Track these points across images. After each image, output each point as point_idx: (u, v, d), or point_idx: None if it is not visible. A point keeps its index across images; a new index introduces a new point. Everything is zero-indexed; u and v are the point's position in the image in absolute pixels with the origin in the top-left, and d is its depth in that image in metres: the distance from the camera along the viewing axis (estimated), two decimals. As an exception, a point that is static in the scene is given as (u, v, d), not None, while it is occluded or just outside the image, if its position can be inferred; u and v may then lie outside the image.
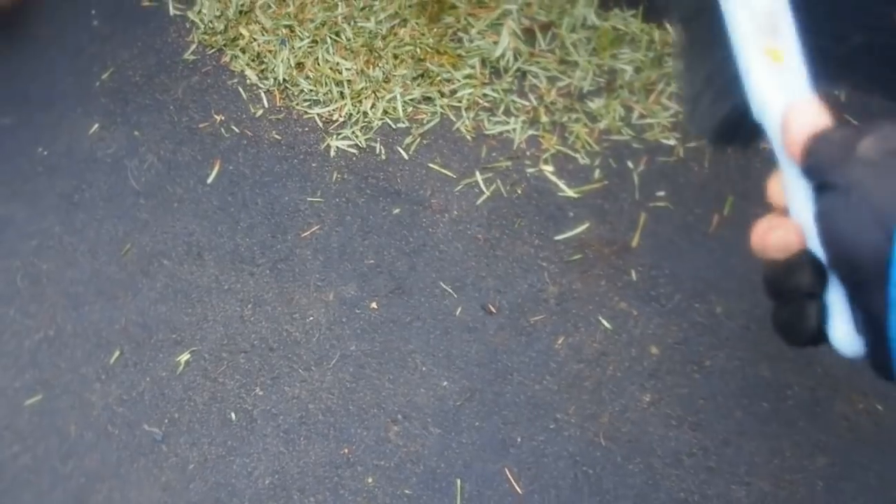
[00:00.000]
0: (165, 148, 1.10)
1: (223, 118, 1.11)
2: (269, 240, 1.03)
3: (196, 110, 1.12)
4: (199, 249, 1.03)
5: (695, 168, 1.05)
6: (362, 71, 1.10)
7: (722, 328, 0.95)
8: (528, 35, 1.12)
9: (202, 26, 1.18)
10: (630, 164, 1.05)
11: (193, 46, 1.17)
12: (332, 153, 1.07)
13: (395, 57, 1.11)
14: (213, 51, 1.16)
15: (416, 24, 1.13)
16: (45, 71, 1.15)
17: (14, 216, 1.06)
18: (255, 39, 1.13)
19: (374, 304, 0.98)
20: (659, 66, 1.09)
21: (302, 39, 1.12)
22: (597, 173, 1.05)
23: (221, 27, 1.16)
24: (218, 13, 1.16)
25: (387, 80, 1.10)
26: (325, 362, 0.95)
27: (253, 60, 1.13)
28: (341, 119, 1.09)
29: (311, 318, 0.98)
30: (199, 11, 1.18)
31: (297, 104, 1.10)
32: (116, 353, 0.96)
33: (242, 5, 1.16)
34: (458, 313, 0.97)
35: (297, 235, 1.03)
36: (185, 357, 0.96)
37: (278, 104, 1.11)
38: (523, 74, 1.11)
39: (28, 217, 1.06)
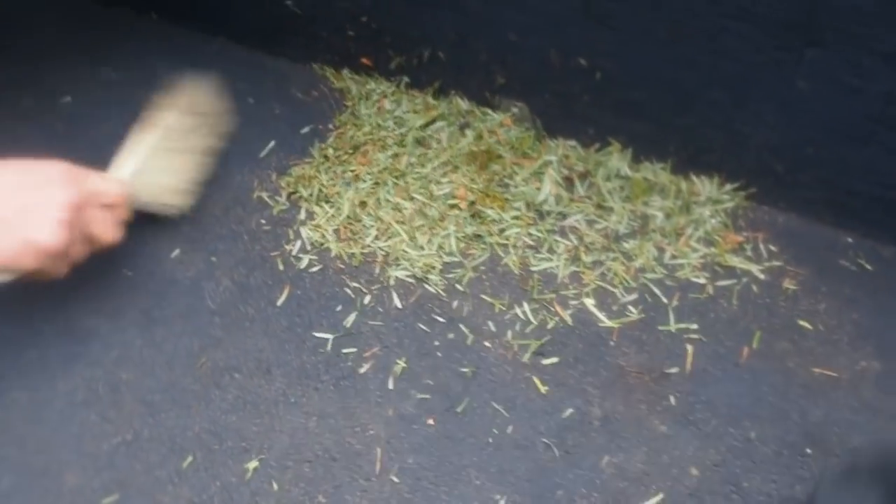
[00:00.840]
0: (239, 273, 1.20)
1: (292, 248, 1.22)
2: (333, 358, 1.11)
3: (268, 240, 1.23)
4: (268, 365, 1.11)
5: (724, 304, 1.14)
6: (420, 210, 1.22)
7: (756, 452, 1.01)
8: (568, 183, 1.25)
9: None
10: (664, 300, 1.15)
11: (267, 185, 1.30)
12: (392, 282, 1.18)
13: (449, 198, 1.23)
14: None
15: (467, 170, 1.26)
16: (132, 202, 1.27)
17: (98, 329, 1.15)
18: (323, 184, 1.26)
19: (430, 421, 1.05)
20: (686, 213, 1.22)
21: (365, 182, 1.25)
22: (634, 307, 1.15)
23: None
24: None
25: (441, 219, 1.22)
26: (385, 474, 1.01)
27: (321, 200, 1.25)
28: (400, 252, 1.20)
29: (372, 432, 1.05)
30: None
31: (361, 238, 1.22)
32: (189, 459, 1.02)
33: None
34: (508, 431, 1.04)
35: (360, 355, 1.11)
36: (253, 464, 1.02)
37: (343, 237, 1.22)
38: (564, 217, 1.23)
39: (111, 330, 1.15)
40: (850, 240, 1.21)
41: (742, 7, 1.02)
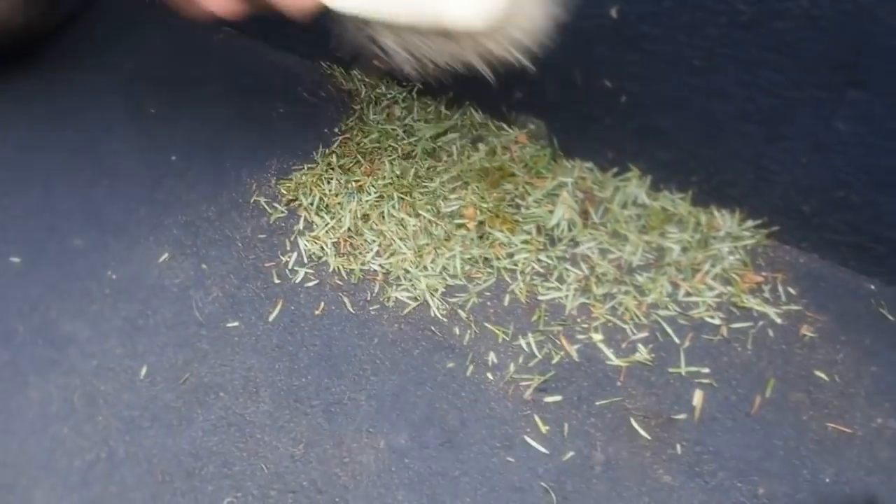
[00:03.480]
0: (230, 283, 1.14)
1: (288, 260, 1.16)
2: (324, 381, 1.05)
3: (263, 249, 1.17)
4: (255, 385, 1.05)
5: (738, 348, 1.09)
6: (425, 228, 1.16)
7: (764, 510, 0.96)
8: (582, 207, 1.19)
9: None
10: (676, 340, 1.09)
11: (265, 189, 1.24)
12: (391, 303, 1.12)
13: (457, 217, 1.17)
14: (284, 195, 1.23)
15: (477, 187, 1.20)
16: (121, 199, 1.20)
17: (77, 335, 1.09)
18: (325, 193, 1.20)
19: (423, 455, 1.00)
20: (705, 248, 1.16)
21: (370, 194, 1.19)
22: (644, 346, 1.09)
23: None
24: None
25: (447, 239, 1.16)
26: (372, 511, 0.96)
27: (322, 210, 1.19)
28: (401, 271, 1.14)
29: (361, 464, 0.99)
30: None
31: (361, 253, 1.16)
32: (167, 482, 0.97)
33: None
34: (505, 472, 0.99)
35: (352, 380, 1.05)
36: (234, 492, 0.96)
37: (342, 251, 1.16)
38: (576, 244, 1.17)
39: (91, 337, 1.09)
40: (872, 287, 1.15)
41: (784, 41, 0.96)
